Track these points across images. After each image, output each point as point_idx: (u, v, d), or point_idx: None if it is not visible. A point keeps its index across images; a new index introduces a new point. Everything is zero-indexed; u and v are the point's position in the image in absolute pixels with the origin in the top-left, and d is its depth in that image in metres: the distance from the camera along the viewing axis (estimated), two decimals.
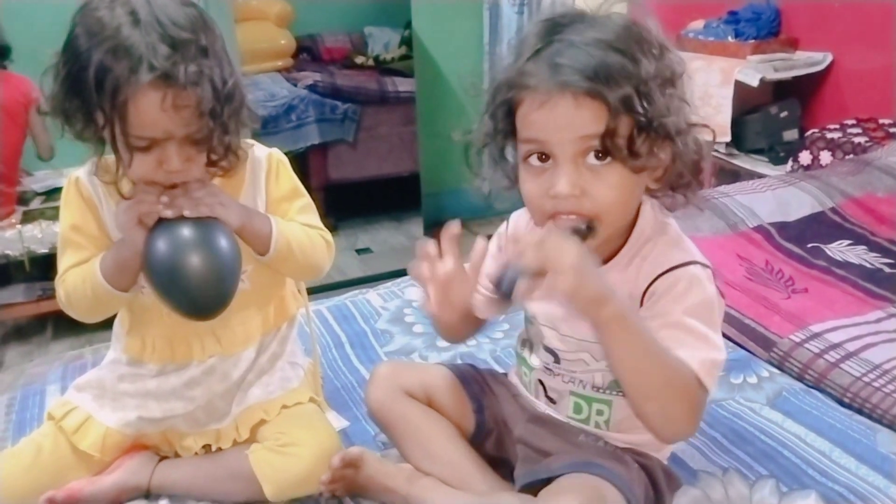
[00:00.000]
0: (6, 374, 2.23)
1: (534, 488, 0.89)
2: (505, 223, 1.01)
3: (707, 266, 0.83)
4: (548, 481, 0.88)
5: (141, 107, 0.82)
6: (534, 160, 0.79)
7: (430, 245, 0.84)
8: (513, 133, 0.82)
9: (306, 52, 3.30)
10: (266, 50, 3.12)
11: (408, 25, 3.16)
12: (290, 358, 1.11)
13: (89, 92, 0.82)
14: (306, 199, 1.07)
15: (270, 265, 1.01)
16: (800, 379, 1.23)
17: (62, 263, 0.99)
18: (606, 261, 0.85)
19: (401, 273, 2.84)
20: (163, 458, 1.05)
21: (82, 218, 0.98)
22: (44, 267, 2.32)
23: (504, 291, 0.73)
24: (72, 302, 0.98)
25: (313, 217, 1.07)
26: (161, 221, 0.89)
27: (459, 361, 1.29)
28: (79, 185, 0.98)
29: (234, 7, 2.68)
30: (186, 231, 0.88)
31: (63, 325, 2.40)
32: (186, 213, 0.88)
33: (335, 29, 3.39)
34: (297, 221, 1.04)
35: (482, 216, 3.47)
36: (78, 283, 0.96)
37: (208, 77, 0.84)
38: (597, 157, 0.76)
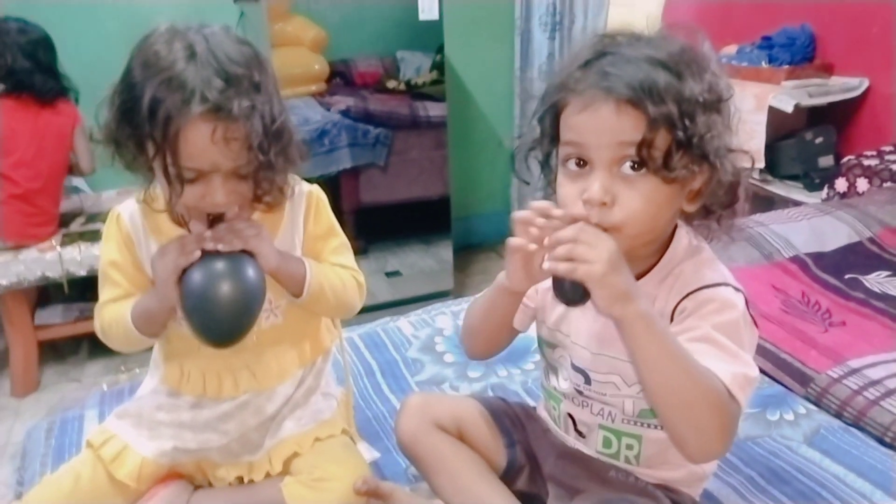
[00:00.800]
0: (44, 394, 2.27)
1: None
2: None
3: (740, 290, 0.83)
4: None
5: (191, 138, 0.84)
6: (572, 164, 0.80)
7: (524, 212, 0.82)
8: (557, 138, 0.83)
9: (339, 77, 3.34)
10: (300, 75, 3.17)
11: (439, 50, 3.19)
12: (324, 390, 1.12)
13: (142, 121, 0.84)
14: (341, 239, 1.09)
15: (303, 306, 1.02)
16: (838, 416, 1.21)
17: (101, 296, 1.02)
18: (638, 277, 0.85)
19: (430, 297, 2.86)
20: (197, 487, 1.07)
21: (120, 255, 1.01)
22: (82, 288, 2.37)
23: (568, 296, 0.76)
24: (107, 336, 1.02)
25: (347, 257, 1.08)
26: (207, 256, 0.91)
27: (490, 393, 1.29)
28: (120, 221, 1.01)
29: (270, 33, 2.73)
30: (218, 262, 0.90)
31: (99, 346, 2.41)
32: (221, 247, 0.89)
33: (368, 53, 3.43)
34: (330, 262, 1.06)
35: None
36: (112, 322, 0.99)
37: (259, 113, 0.86)
38: (632, 167, 0.77)
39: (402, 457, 1.10)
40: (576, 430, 0.97)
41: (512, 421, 1.03)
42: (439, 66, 3.21)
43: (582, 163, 0.79)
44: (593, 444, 0.95)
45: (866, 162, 2.41)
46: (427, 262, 3.24)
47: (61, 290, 2.32)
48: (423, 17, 2.69)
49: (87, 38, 2.54)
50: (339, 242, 1.08)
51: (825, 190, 2.51)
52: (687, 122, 0.74)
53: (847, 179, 2.44)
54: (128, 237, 1.00)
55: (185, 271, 0.90)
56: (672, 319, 0.83)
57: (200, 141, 0.84)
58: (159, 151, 0.85)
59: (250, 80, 0.86)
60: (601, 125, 0.76)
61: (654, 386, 0.75)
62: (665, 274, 0.85)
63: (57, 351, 2.53)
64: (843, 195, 2.42)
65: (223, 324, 0.90)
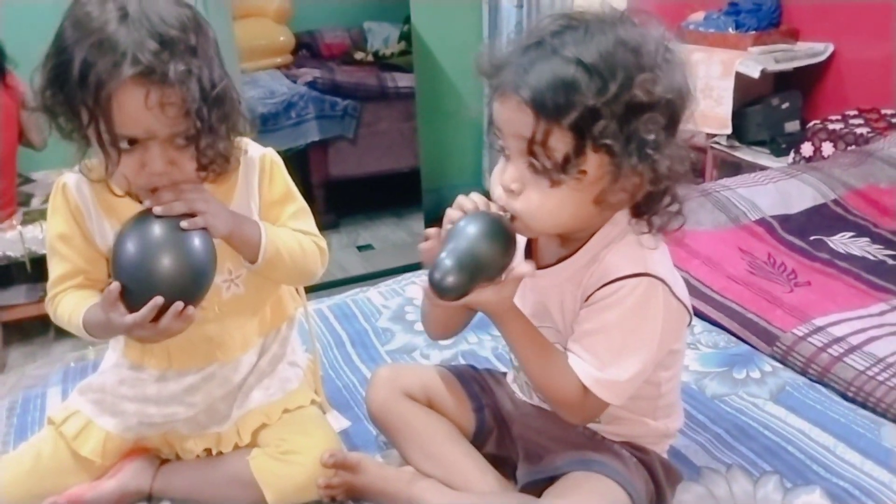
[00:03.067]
0: (9, 377, 2.22)
1: (537, 487, 0.89)
2: None
3: (660, 279, 0.81)
4: (550, 479, 0.88)
5: (124, 103, 0.80)
6: (497, 144, 0.80)
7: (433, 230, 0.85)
8: None
9: (305, 49, 3.28)
10: (265, 47, 3.10)
11: (407, 20, 3.15)
12: (290, 358, 1.10)
13: (73, 87, 0.81)
14: (300, 203, 1.04)
15: (260, 273, 0.97)
16: (803, 373, 1.23)
17: (50, 271, 0.98)
18: (565, 257, 0.86)
19: (403, 269, 2.85)
20: (164, 461, 1.05)
21: (68, 227, 0.96)
22: (45, 267, 2.31)
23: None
24: (59, 324, 0.98)
25: (307, 222, 1.04)
26: (140, 217, 0.86)
27: (461, 360, 1.29)
28: (66, 191, 0.96)
29: (232, 4, 2.66)
30: (160, 232, 0.84)
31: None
32: (159, 210, 0.85)
33: (334, 25, 3.37)
34: (289, 227, 1.01)
35: None
36: (64, 318, 0.96)
37: (196, 77, 0.82)
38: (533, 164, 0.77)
39: (373, 425, 1.09)
40: (539, 397, 0.97)
41: (480, 385, 1.04)
42: (407, 37, 3.16)
43: (505, 149, 0.79)
44: None
45: (831, 126, 2.44)
46: (399, 234, 3.22)
47: (24, 270, 2.27)
48: None
49: (37, 8, 2.44)
50: (297, 207, 1.03)
51: (791, 155, 2.53)
52: (595, 129, 0.72)
53: (813, 144, 2.47)
54: (76, 208, 0.96)
55: (118, 237, 0.85)
56: (587, 300, 0.84)
57: (134, 106, 0.80)
58: (92, 118, 0.81)
59: (186, 44, 0.83)
60: (507, 116, 0.76)
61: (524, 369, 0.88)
62: (590, 257, 0.84)
63: (23, 332, 2.47)
64: (809, 159, 2.44)
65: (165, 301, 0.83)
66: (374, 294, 1.56)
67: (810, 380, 1.21)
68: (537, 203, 0.78)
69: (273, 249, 0.95)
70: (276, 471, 0.96)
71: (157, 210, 0.85)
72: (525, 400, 0.99)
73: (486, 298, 0.80)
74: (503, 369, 1.13)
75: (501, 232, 0.79)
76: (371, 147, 3.15)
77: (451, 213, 0.82)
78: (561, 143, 0.73)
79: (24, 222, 2.26)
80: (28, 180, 2.54)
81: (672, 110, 0.76)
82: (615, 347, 0.81)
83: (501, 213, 0.80)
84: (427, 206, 3.12)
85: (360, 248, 3.12)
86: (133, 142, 0.84)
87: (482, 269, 0.78)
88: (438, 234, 0.83)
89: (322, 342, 1.36)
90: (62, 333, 2.47)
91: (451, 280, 0.77)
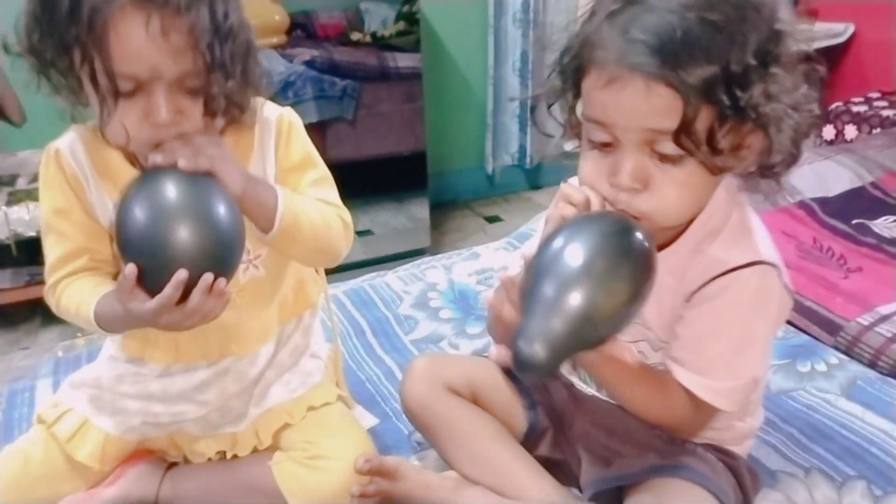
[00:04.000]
0: None
1: (604, 496, 0.78)
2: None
3: (774, 265, 0.72)
4: (619, 487, 0.77)
5: (122, 32, 0.67)
6: (596, 137, 0.67)
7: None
8: (581, 80, 0.70)
9: (300, 29, 3.16)
10: (259, 26, 2.93)
11: (405, 1, 3.03)
12: (313, 349, 0.98)
13: (63, 20, 0.68)
14: (322, 171, 0.90)
15: (275, 246, 0.83)
16: (872, 366, 1.13)
17: (47, 254, 0.85)
18: (663, 247, 0.74)
19: (404, 255, 2.73)
20: (171, 464, 0.93)
21: (65, 200, 0.83)
22: (32, 251, 2.18)
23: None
24: (64, 317, 0.85)
25: (330, 192, 0.89)
26: (145, 177, 0.72)
27: (495, 350, 1.18)
28: (59, 158, 0.82)
29: None
30: (174, 192, 0.69)
31: (52, 312, 2.27)
32: (181, 163, 0.70)
33: (330, 5, 3.25)
34: (309, 195, 0.87)
35: (485, 196, 3.37)
36: (72, 310, 0.82)
37: (207, 2, 0.70)
38: (667, 153, 0.65)
39: (404, 422, 0.98)
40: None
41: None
42: (405, 17, 3.05)
43: (608, 143, 0.67)
44: None
45: (854, 108, 2.37)
46: (399, 219, 3.11)
47: (9, 253, 2.14)
48: None
49: None
50: (319, 174, 0.89)
51: (812, 137, 2.45)
52: (737, 91, 0.61)
53: (835, 126, 2.39)
54: (73, 177, 0.82)
55: (120, 207, 0.70)
56: (689, 299, 0.73)
57: (134, 35, 0.67)
58: (86, 57, 0.68)
59: None
60: (628, 106, 0.63)
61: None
62: (693, 245, 0.73)
63: (7, 317, 2.34)
64: (831, 142, 2.37)
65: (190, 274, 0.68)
66: (392, 279, 1.44)
67: (881, 373, 1.11)
68: (675, 196, 0.66)
69: (291, 217, 0.80)
70: (303, 478, 0.84)
71: (158, 159, 0.71)
72: (591, 392, 0.88)
73: (588, 361, 0.68)
74: None
75: (643, 263, 0.62)
76: (370, 129, 3.04)
77: (564, 210, 0.68)
78: (705, 117, 0.62)
79: (10, 203, 2.12)
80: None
81: (792, 54, 0.65)
82: (731, 349, 0.71)
83: (631, 218, 0.66)
84: (430, 191, 3.01)
85: (359, 233, 2.99)
86: (135, 90, 0.71)
87: (599, 327, 0.61)
88: (513, 285, 0.68)
89: (340, 331, 1.24)
90: (49, 319, 2.35)
91: (545, 357, 0.58)
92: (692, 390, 0.72)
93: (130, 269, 0.69)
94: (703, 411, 0.74)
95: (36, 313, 2.35)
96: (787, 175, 0.70)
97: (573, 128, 0.74)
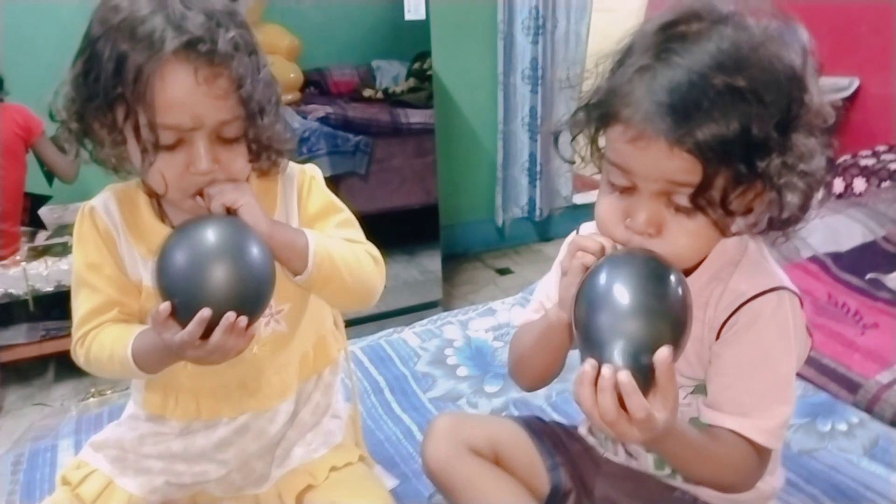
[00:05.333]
0: (7, 420, 2.10)
1: None
2: (574, 233, 0.90)
3: (796, 294, 0.74)
4: None
5: (168, 84, 0.70)
6: (616, 179, 0.69)
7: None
8: (606, 127, 0.71)
9: (314, 86, 3.24)
10: None
11: (416, 58, 3.11)
12: (334, 408, 0.98)
13: (107, 81, 0.71)
14: (346, 214, 0.91)
15: (311, 288, 0.84)
16: (893, 424, 1.12)
17: (77, 308, 0.87)
18: None
19: (415, 308, 2.74)
20: None
21: (99, 254, 0.85)
22: (48, 306, 2.20)
23: None
24: (93, 369, 0.87)
25: (356, 232, 0.90)
26: (182, 225, 0.76)
27: (513, 409, 1.18)
28: (94, 216, 0.86)
29: None
30: (204, 236, 0.74)
31: (66, 367, 2.27)
32: (211, 203, 0.75)
33: (343, 62, 3.34)
34: (336, 236, 0.88)
35: (496, 248, 3.39)
36: (104, 357, 0.83)
37: (246, 50, 0.73)
38: (683, 204, 0.67)
39: (424, 483, 0.98)
40: (626, 451, 0.86)
41: (553, 441, 0.92)
42: (416, 74, 3.12)
43: (628, 188, 0.69)
44: (645, 465, 0.84)
45: (863, 162, 2.38)
46: (411, 272, 3.13)
47: (25, 308, 2.15)
48: (409, 17, 2.60)
49: (40, 35, 2.37)
50: (343, 217, 0.90)
51: (821, 190, 2.47)
52: (756, 160, 0.63)
53: (844, 179, 2.41)
54: (106, 233, 0.85)
55: (161, 249, 0.74)
56: (719, 335, 0.74)
57: (179, 85, 0.71)
58: (131, 112, 0.72)
59: (231, 17, 0.74)
60: (650, 163, 0.65)
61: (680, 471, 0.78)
62: (710, 276, 0.75)
63: (20, 373, 2.35)
64: (840, 195, 2.38)
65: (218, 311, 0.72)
66: (409, 335, 1.45)
67: None
68: (687, 244, 0.68)
69: (323, 253, 0.81)
70: None
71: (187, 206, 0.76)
72: (609, 457, 0.88)
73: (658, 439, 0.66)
74: (559, 418, 1.01)
75: (680, 300, 0.65)
76: (383, 183, 3.09)
77: (583, 259, 0.69)
78: (722, 179, 0.63)
79: (29, 258, 2.15)
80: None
81: (812, 118, 0.66)
82: (770, 381, 0.72)
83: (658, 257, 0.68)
84: (443, 243, 3.04)
85: None
86: (176, 142, 0.74)
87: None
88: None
89: (358, 388, 1.24)
90: (63, 374, 2.36)
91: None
92: (745, 434, 0.72)
93: (164, 305, 0.72)
94: (764, 457, 0.74)
95: (49, 368, 2.36)
96: (794, 230, 0.72)
97: (594, 160, 0.75)
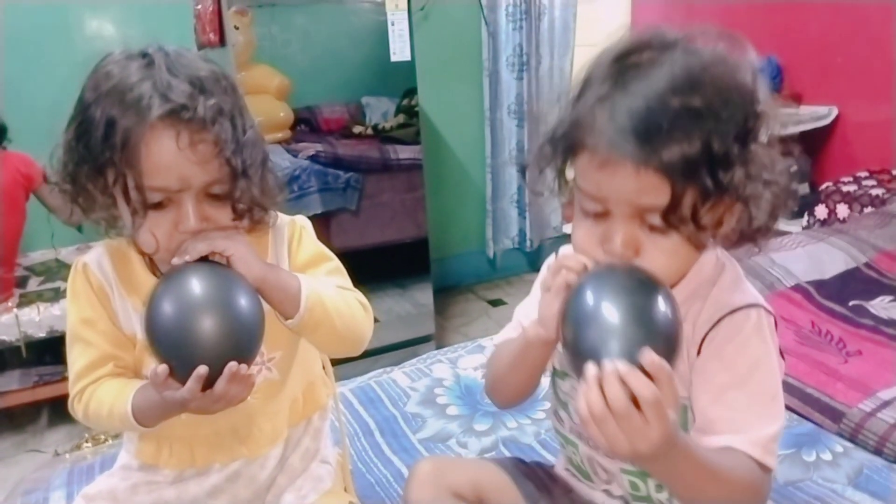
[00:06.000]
0: (0, 467, 2.08)
1: None
2: (553, 256, 0.92)
3: (770, 312, 0.76)
4: None
5: (154, 148, 0.73)
6: (589, 207, 0.72)
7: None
8: (573, 157, 0.74)
9: (304, 124, 3.28)
10: (265, 123, 3.07)
11: (405, 94, 3.16)
12: (322, 454, 0.99)
13: (97, 145, 0.74)
14: (335, 263, 0.94)
15: (302, 332, 0.85)
16: (878, 453, 1.13)
17: (72, 363, 0.88)
18: None
19: (409, 343, 2.74)
20: None
21: (92, 310, 0.87)
22: (40, 351, 2.21)
23: None
24: (92, 424, 0.88)
25: (345, 281, 0.92)
26: (167, 278, 0.77)
27: (503, 449, 1.19)
28: (87, 272, 0.87)
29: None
30: (192, 288, 0.75)
31: (59, 413, 2.27)
32: (188, 255, 0.76)
33: (332, 100, 3.38)
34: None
35: (488, 280, 3.41)
36: (103, 413, 0.85)
37: (229, 115, 0.76)
38: (656, 224, 0.69)
39: None
40: (604, 472, 0.87)
41: (535, 484, 0.93)
42: (405, 110, 3.17)
43: (601, 213, 0.71)
44: (620, 489, 0.86)
45: (845, 188, 2.42)
46: (404, 306, 3.14)
47: (18, 355, 2.16)
48: (394, 58, 2.65)
49: (40, 85, 2.41)
50: (333, 266, 0.93)
51: (805, 217, 2.50)
52: (720, 174, 0.65)
53: (827, 206, 2.45)
54: (100, 289, 0.87)
55: (148, 306, 0.75)
56: (699, 351, 0.76)
57: (165, 149, 0.73)
58: (119, 175, 0.74)
59: (216, 83, 0.77)
60: (620, 187, 0.67)
61: (686, 499, 0.74)
62: (690, 292, 0.77)
63: (13, 419, 2.34)
64: (824, 222, 2.42)
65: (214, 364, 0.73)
66: (399, 375, 1.46)
67: (888, 460, 1.11)
68: (666, 262, 0.70)
69: (315, 298, 0.83)
70: None
71: (175, 260, 0.76)
72: (587, 486, 0.89)
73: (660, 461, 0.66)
74: (551, 459, 1.03)
75: (671, 316, 0.66)
76: (374, 218, 3.11)
77: (567, 277, 0.71)
78: (691, 195, 0.66)
79: (21, 305, 2.16)
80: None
81: (769, 129, 0.69)
82: (757, 402, 0.73)
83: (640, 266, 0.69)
84: (434, 276, 3.06)
85: None
86: (164, 202, 0.76)
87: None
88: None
89: (348, 431, 1.25)
90: (56, 420, 2.35)
91: None
92: (739, 448, 0.72)
93: (162, 368, 0.74)
94: (765, 473, 0.73)
95: (42, 414, 2.35)
96: (765, 241, 0.74)
97: (563, 192, 0.77)
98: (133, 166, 0.73)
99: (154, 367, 0.74)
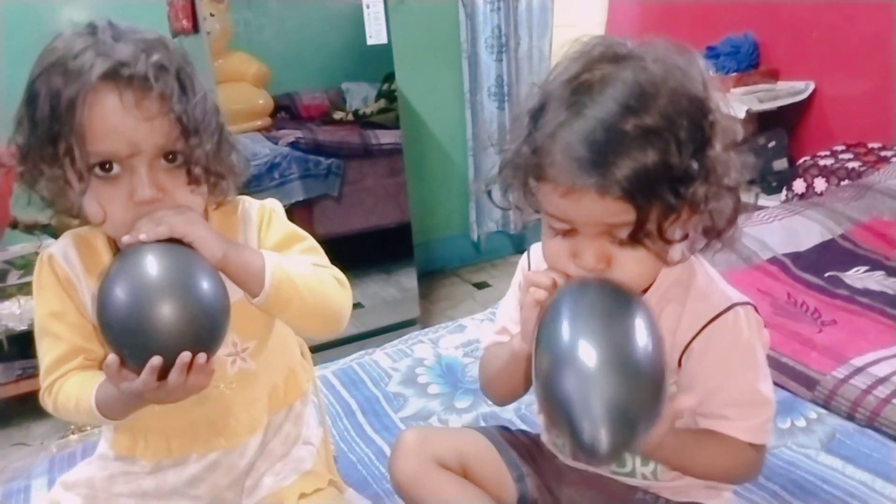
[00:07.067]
0: None
1: None
2: (525, 256, 0.93)
3: (748, 303, 0.79)
4: None
5: (97, 111, 0.71)
6: (557, 226, 0.72)
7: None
8: (536, 183, 0.74)
9: (284, 111, 3.26)
10: (244, 110, 3.07)
11: (385, 79, 3.14)
12: (305, 437, 0.99)
13: (44, 120, 0.72)
14: (309, 242, 0.91)
15: (271, 310, 0.82)
16: (850, 418, 1.15)
17: (42, 357, 0.86)
18: None
19: (395, 327, 2.75)
20: None
21: (60, 303, 0.84)
22: (23, 344, 2.19)
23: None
24: (63, 417, 0.87)
25: (320, 258, 0.89)
26: (118, 259, 0.73)
27: (483, 423, 1.20)
28: (53, 263, 0.85)
29: (213, 70, 2.63)
30: (145, 271, 0.70)
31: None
32: (142, 236, 0.72)
33: (312, 86, 3.36)
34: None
35: (472, 263, 3.42)
36: (70, 407, 0.84)
37: (174, 73, 0.74)
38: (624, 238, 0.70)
39: (396, 503, 0.99)
40: None
41: (519, 452, 0.95)
42: (386, 95, 3.16)
43: (569, 231, 0.72)
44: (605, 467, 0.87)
45: (822, 162, 2.44)
46: (389, 291, 3.14)
47: (0, 348, 2.15)
48: (371, 42, 2.63)
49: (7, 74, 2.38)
50: (307, 245, 0.90)
51: (784, 192, 2.53)
52: (681, 189, 0.66)
53: (805, 180, 2.47)
54: (66, 280, 0.85)
55: (97, 291, 0.71)
56: (682, 357, 0.78)
57: (109, 111, 0.71)
58: (67, 145, 0.72)
59: (163, 45, 0.76)
60: (586, 211, 0.67)
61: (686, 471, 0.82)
62: (660, 296, 0.79)
63: None
64: (802, 196, 2.44)
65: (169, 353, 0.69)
66: (380, 356, 1.47)
67: (860, 425, 1.13)
68: (635, 271, 0.71)
69: (281, 274, 0.80)
70: None
71: (126, 239, 0.73)
72: (569, 464, 0.90)
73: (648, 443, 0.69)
74: (533, 431, 1.04)
75: (650, 323, 0.66)
76: (356, 204, 3.11)
77: (536, 294, 0.72)
78: (655, 211, 0.66)
79: (1, 298, 2.14)
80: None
81: (726, 134, 0.70)
82: (746, 399, 0.77)
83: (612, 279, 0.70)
84: (417, 261, 3.06)
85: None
86: (116, 175, 0.74)
87: (650, 400, 0.63)
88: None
89: (330, 412, 1.26)
90: (41, 413, 2.32)
91: (612, 440, 0.61)
92: (729, 433, 0.77)
93: (112, 358, 0.71)
94: (761, 451, 0.79)
95: (27, 408, 2.33)
96: (730, 239, 0.75)
97: (529, 205, 0.77)
98: (79, 133, 0.72)
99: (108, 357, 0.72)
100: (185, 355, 0.70)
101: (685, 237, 0.72)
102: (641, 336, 0.65)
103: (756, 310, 0.79)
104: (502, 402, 0.95)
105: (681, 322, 0.77)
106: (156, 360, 0.70)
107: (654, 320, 0.68)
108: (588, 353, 0.63)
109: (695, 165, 0.66)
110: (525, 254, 0.92)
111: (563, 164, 0.66)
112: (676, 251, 0.77)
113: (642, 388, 0.63)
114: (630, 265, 0.70)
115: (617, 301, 0.68)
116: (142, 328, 0.69)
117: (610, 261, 0.70)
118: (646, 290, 0.78)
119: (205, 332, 0.73)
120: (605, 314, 0.66)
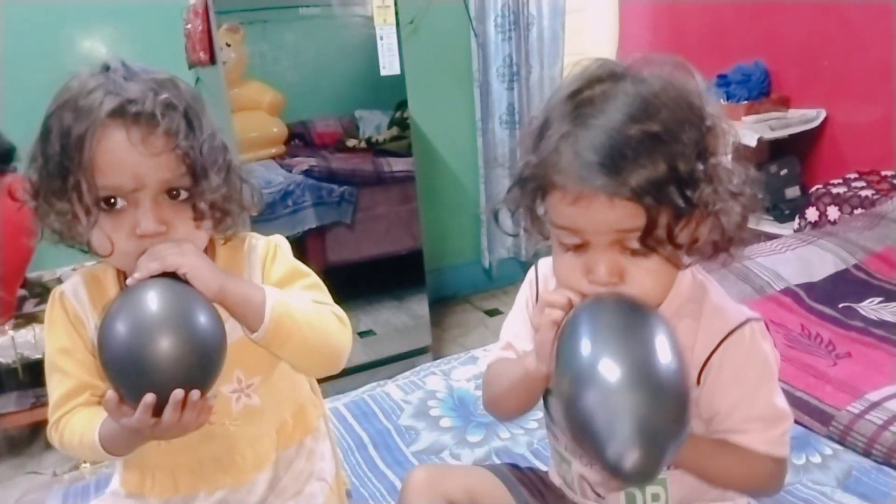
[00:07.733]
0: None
1: None
2: (533, 269, 0.93)
3: (759, 319, 0.80)
4: None
5: (104, 146, 0.73)
6: (567, 241, 0.73)
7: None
8: (543, 196, 0.75)
9: (298, 139, 3.30)
10: (259, 138, 3.12)
11: (398, 107, 3.18)
12: (318, 474, 0.99)
13: (55, 156, 0.75)
14: (312, 278, 0.91)
15: (270, 346, 0.82)
16: (866, 454, 1.14)
17: (50, 393, 0.88)
18: None
19: (406, 355, 2.75)
20: None
21: (70, 339, 0.86)
22: (37, 373, 2.19)
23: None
24: (68, 453, 0.88)
25: (322, 295, 0.90)
26: (120, 297, 0.75)
27: (495, 459, 1.20)
28: (64, 301, 0.87)
29: (228, 99, 2.68)
30: (141, 311, 0.71)
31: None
32: (137, 275, 0.74)
33: (326, 114, 3.40)
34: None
35: (484, 290, 3.42)
36: (75, 442, 0.85)
37: (181, 110, 0.76)
38: (636, 247, 0.71)
39: None
40: (594, 492, 0.88)
41: (529, 490, 0.94)
42: (399, 123, 3.19)
43: (580, 245, 0.72)
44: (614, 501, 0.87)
45: (835, 190, 2.43)
46: (401, 318, 3.15)
47: (15, 376, 2.16)
48: (384, 72, 2.67)
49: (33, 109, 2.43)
50: (309, 281, 0.90)
51: (796, 220, 2.52)
52: (688, 192, 0.67)
53: (817, 208, 2.46)
54: (76, 317, 0.86)
55: (99, 330, 0.73)
56: (701, 373, 0.78)
57: (116, 146, 0.74)
58: (77, 183, 0.74)
59: (173, 85, 0.78)
60: (596, 217, 0.68)
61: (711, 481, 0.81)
62: (673, 311, 0.78)
63: (11, 441, 2.34)
64: (815, 224, 2.43)
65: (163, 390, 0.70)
66: (392, 388, 1.47)
67: (876, 461, 1.12)
68: (649, 284, 0.72)
69: (281, 309, 0.80)
70: None
71: (129, 281, 0.75)
72: (577, 502, 0.90)
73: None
74: (543, 466, 1.03)
75: (671, 337, 0.66)
76: (369, 231, 3.13)
77: (552, 315, 0.72)
78: (665, 215, 0.68)
79: (16, 326, 2.16)
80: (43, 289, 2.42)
81: (727, 143, 0.72)
82: (763, 413, 0.78)
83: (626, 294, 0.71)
84: (430, 287, 3.07)
85: (360, 334, 3.03)
86: (121, 208, 0.76)
87: (677, 415, 0.62)
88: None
89: (342, 445, 1.26)
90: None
91: (642, 458, 0.59)
92: (748, 446, 0.77)
93: (111, 394, 0.73)
94: (782, 464, 0.79)
95: (40, 436, 2.35)
96: (738, 251, 0.76)
97: (537, 229, 0.78)
98: (87, 168, 0.74)
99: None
100: (178, 393, 0.71)
101: (694, 241, 0.73)
102: (664, 351, 0.64)
103: (767, 326, 0.81)
104: (508, 419, 0.96)
105: (697, 338, 0.77)
106: (149, 398, 0.71)
107: (675, 334, 0.68)
108: (612, 371, 0.62)
109: (700, 168, 0.68)
110: (533, 268, 0.93)
111: (570, 170, 0.68)
112: (685, 276, 0.79)
113: (669, 404, 0.62)
114: (643, 277, 0.71)
115: (635, 316, 0.67)
116: (134, 365, 0.71)
117: (623, 274, 0.71)
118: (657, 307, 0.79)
119: (196, 368, 0.73)
120: (625, 330, 0.66)
